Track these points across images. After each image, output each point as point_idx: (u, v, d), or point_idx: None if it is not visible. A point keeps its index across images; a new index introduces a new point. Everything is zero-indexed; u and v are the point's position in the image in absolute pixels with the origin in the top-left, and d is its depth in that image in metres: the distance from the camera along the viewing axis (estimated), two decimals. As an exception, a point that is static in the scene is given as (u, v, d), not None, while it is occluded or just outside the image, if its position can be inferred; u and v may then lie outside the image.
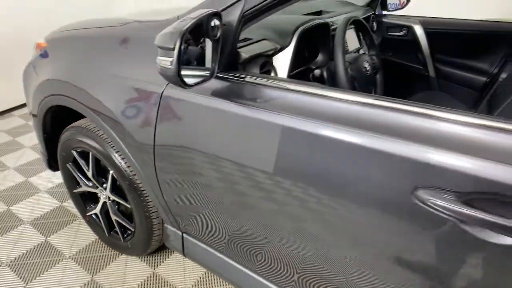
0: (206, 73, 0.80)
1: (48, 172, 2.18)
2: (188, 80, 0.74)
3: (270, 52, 1.07)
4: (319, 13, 1.58)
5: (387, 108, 0.67)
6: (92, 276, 1.48)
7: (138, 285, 1.45)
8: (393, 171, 0.64)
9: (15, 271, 1.50)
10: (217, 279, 1.47)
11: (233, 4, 0.82)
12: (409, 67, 1.94)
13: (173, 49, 0.66)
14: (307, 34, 1.21)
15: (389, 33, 1.95)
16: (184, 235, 1.23)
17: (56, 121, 1.52)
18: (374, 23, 1.94)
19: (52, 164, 1.66)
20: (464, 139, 0.59)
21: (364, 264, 0.76)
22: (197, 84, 0.77)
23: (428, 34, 1.85)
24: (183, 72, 0.74)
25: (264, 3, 0.79)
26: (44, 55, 1.43)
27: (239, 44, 1.02)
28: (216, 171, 0.93)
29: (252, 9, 0.81)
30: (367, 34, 1.36)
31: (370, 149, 0.66)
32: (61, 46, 1.37)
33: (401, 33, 1.91)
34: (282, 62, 1.09)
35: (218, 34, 0.78)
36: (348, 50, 1.43)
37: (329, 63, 1.27)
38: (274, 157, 0.80)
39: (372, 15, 1.93)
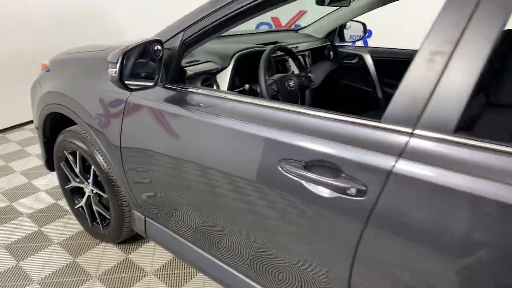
0: (152, 83, 1.11)
1: (48, 175, 2.50)
2: (133, 86, 1.05)
3: (214, 71, 1.39)
4: (275, 43, 1.90)
5: (270, 107, 0.96)
6: (74, 258, 1.74)
7: (112, 267, 1.69)
8: (266, 149, 0.92)
9: (10, 252, 1.77)
10: (179, 264, 1.71)
11: (175, 35, 1.14)
12: (361, 90, 2.23)
13: (117, 62, 0.97)
14: (250, 58, 1.52)
15: (344, 61, 2.27)
16: (146, 218, 1.50)
17: (54, 128, 1.84)
18: (331, 52, 2.26)
19: (50, 165, 1.97)
20: (304, 125, 0.86)
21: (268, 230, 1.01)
22: (139, 89, 1.07)
23: (376, 61, 2.15)
24: (131, 82, 1.05)
25: (196, 34, 1.10)
26: (47, 73, 1.78)
27: (188, 64, 1.33)
28: (163, 166, 1.21)
29: (189, 38, 1.12)
30: (296, 59, 1.67)
31: (256, 135, 0.94)
32: (61, 65, 1.72)
33: (354, 61, 2.22)
34: (223, 78, 1.40)
35: (160, 55, 1.09)
36: (292, 72, 1.74)
37: None
38: (206, 150, 1.08)
39: (329, 46, 2.25)
